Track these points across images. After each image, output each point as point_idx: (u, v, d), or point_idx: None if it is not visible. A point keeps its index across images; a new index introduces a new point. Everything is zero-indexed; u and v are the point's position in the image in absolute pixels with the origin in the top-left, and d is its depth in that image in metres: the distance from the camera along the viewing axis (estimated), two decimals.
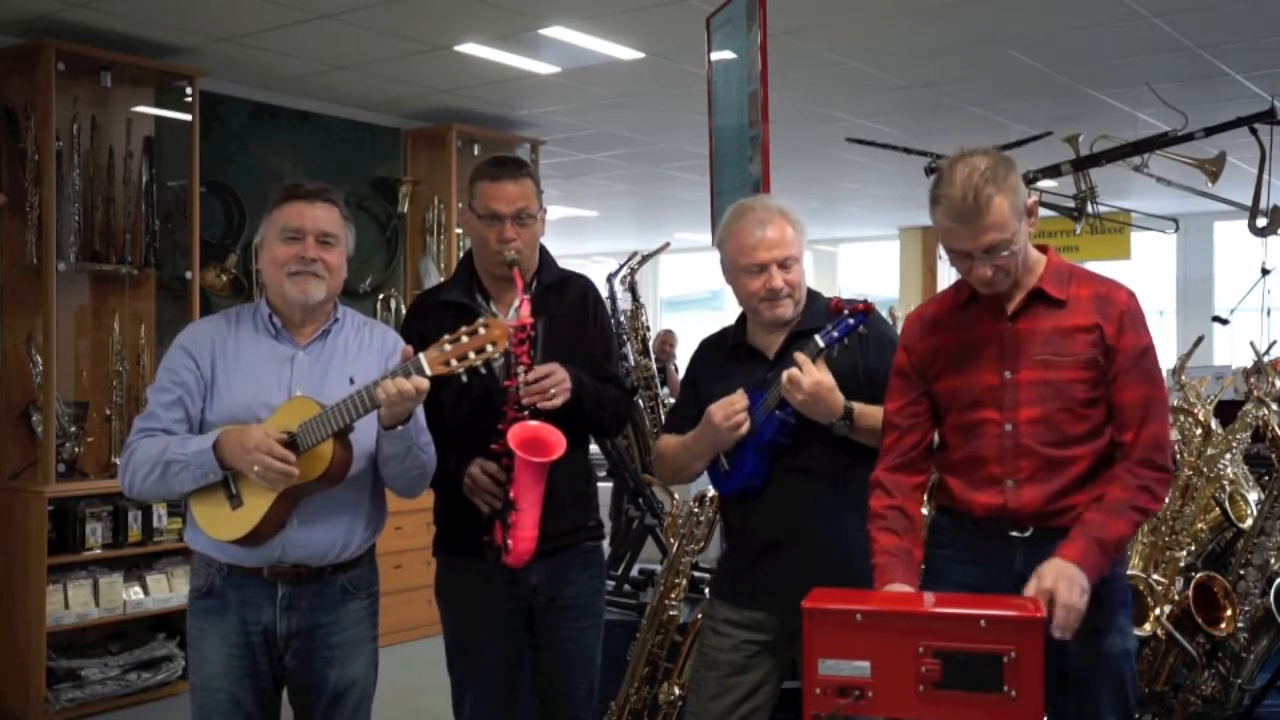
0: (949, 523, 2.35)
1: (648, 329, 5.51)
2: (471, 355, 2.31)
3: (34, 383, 4.84)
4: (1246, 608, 3.06)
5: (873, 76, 5.89)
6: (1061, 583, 2.02)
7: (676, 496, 3.73)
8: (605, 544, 3.14)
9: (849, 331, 2.40)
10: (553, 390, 2.58)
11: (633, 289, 5.56)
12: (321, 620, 2.49)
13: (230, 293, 5.62)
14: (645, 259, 5.65)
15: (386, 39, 5.15)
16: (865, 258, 14.04)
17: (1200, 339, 4.85)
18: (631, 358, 5.22)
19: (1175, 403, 3.76)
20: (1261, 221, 4.49)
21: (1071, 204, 5.07)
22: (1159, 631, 2.99)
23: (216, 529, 2.41)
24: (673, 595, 3.23)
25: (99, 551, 4.84)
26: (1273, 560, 3.13)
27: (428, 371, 2.32)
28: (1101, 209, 5.31)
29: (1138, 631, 2.89)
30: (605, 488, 4.05)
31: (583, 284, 2.88)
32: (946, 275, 11.72)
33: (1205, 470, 3.34)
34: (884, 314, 2.69)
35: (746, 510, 2.60)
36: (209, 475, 2.37)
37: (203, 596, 2.49)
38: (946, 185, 2.15)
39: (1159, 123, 6.11)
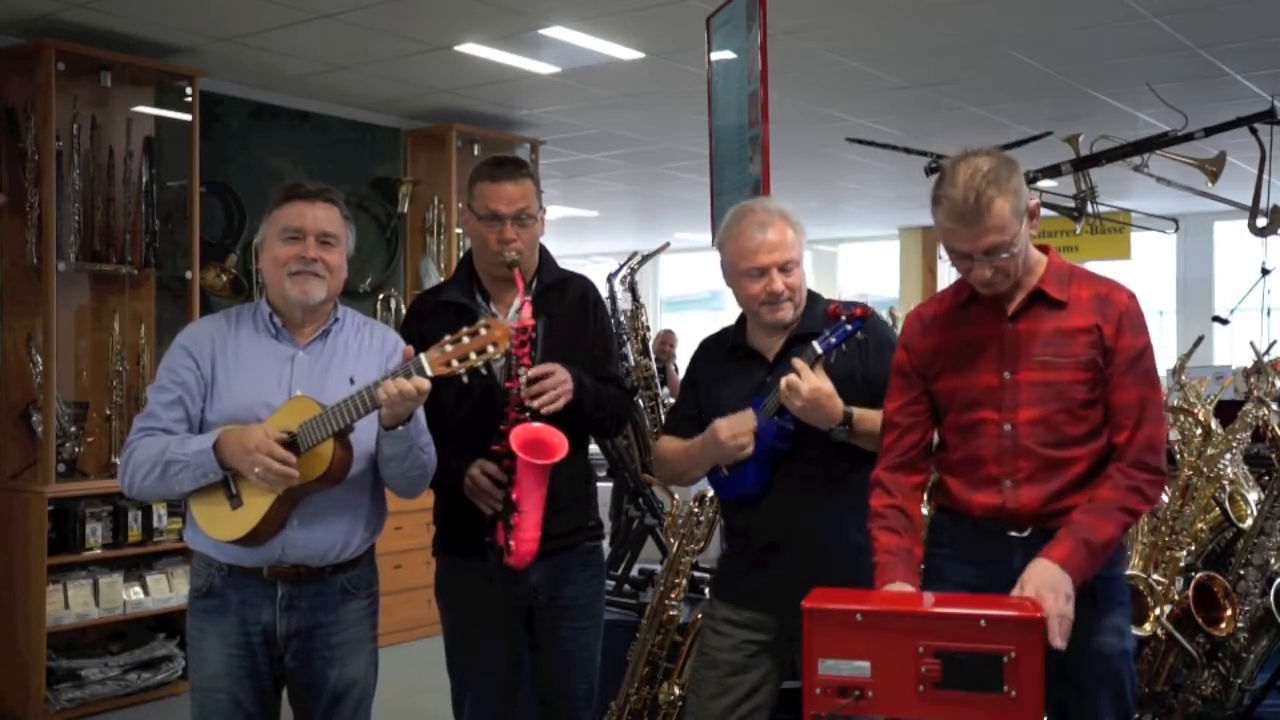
0: (948, 522, 2.35)
1: (648, 329, 5.51)
2: (473, 356, 2.31)
3: (34, 383, 4.84)
4: (1246, 608, 3.06)
5: (873, 76, 5.89)
6: (1046, 594, 2.01)
7: (676, 496, 3.73)
8: (605, 544, 3.14)
9: (846, 338, 2.40)
10: (555, 392, 2.58)
11: (633, 289, 5.56)
12: (321, 620, 2.49)
13: (230, 293, 5.62)
14: (645, 259, 5.65)
15: (386, 39, 5.15)
16: (865, 258, 14.05)
17: (1200, 339, 4.85)
18: (631, 358, 5.22)
19: (1175, 403, 3.77)
20: (1261, 221, 4.49)
21: (1071, 204, 5.07)
22: (1159, 631, 2.99)
23: (216, 529, 2.41)
24: (673, 595, 3.23)
25: (99, 551, 4.84)
26: (1273, 560, 3.13)
27: (429, 372, 2.31)
28: (1101, 209, 5.31)
29: (1138, 631, 2.89)
30: (605, 488, 4.05)
31: (583, 284, 2.88)
32: (946, 275, 11.71)
33: (1205, 470, 3.34)
34: (884, 314, 2.70)
35: (747, 513, 2.60)
36: (209, 475, 2.36)
37: (202, 596, 2.49)
38: (948, 186, 2.15)
39: (1159, 123, 6.11)
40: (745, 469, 2.52)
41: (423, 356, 2.32)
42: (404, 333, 2.70)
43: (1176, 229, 6.82)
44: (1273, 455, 3.74)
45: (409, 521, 4.86)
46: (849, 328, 2.39)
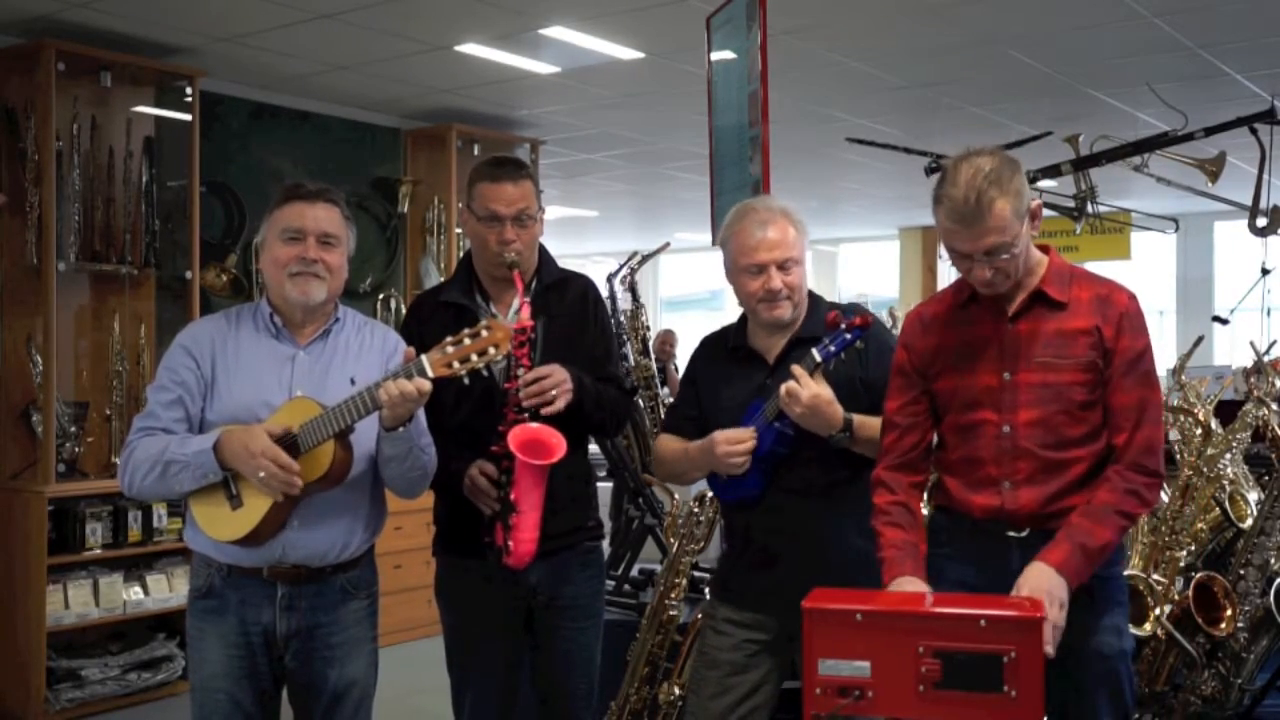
0: (946, 522, 2.35)
1: (648, 329, 5.51)
2: (474, 357, 2.31)
3: (34, 383, 4.83)
4: (1246, 608, 3.06)
5: (873, 76, 5.89)
6: (1042, 600, 2.01)
7: (676, 496, 3.73)
8: (605, 544, 3.14)
9: (846, 347, 2.39)
10: (554, 392, 2.58)
11: (633, 289, 5.57)
12: (321, 620, 2.48)
13: (230, 293, 5.62)
14: (645, 259, 5.66)
15: (386, 39, 5.15)
16: (865, 258, 14.04)
17: (1200, 339, 4.85)
18: (631, 358, 5.22)
19: (1175, 403, 3.77)
20: (1261, 221, 4.50)
21: (1071, 204, 5.07)
22: (1159, 631, 2.99)
23: (216, 529, 2.41)
24: (673, 595, 3.23)
25: (99, 551, 4.83)
26: (1273, 560, 3.13)
27: (430, 373, 2.31)
28: (1101, 209, 5.31)
29: (1138, 631, 2.89)
30: (605, 488, 4.05)
31: (583, 284, 2.88)
32: (946, 275, 11.71)
33: (1205, 470, 3.33)
34: (883, 314, 2.69)
35: (745, 514, 2.60)
36: (209, 476, 2.36)
37: (202, 597, 2.49)
38: (949, 185, 2.14)
39: (1159, 123, 6.11)
40: (744, 474, 2.52)
41: (424, 358, 2.32)
42: (404, 333, 2.70)
43: (1176, 229, 6.82)
44: (1273, 455, 3.74)
45: (409, 521, 4.86)
46: (848, 336, 2.39)
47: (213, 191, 5.69)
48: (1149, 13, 4.86)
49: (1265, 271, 4.90)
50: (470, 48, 5.32)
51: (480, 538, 2.64)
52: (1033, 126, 5.86)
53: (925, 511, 2.43)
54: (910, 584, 2.18)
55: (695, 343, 2.83)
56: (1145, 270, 10.96)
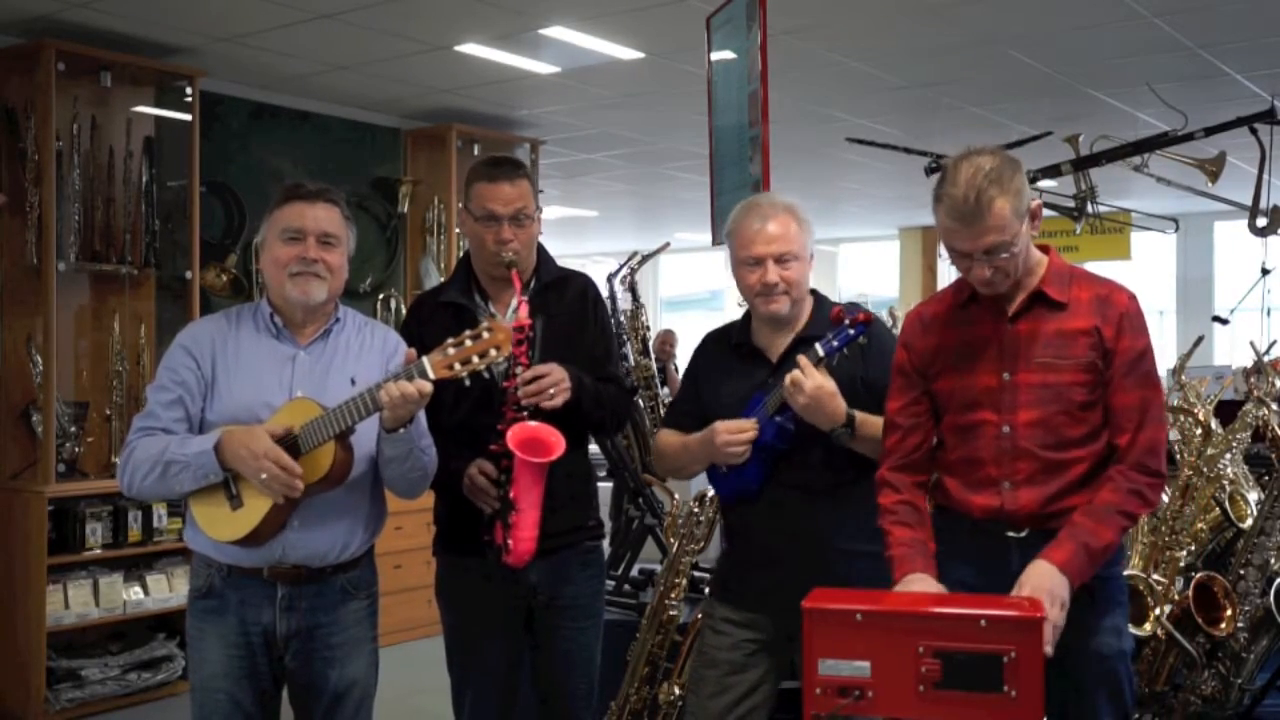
0: (945, 522, 2.34)
1: (648, 329, 5.52)
2: (475, 359, 2.31)
3: (34, 383, 4.84)
4: (1246, 608, 3.06)
5: (873, 76, 5.89)
6: (1043, 599, 2.01)
7: (676, 496, 3.73)
8: (605, 544, 3.14)
9: (849, 342, 2.40)
10: (552, 390, 2.58)
11: (633, 289, 5.57)
12: (321, 620, 2.48)
13: (230, 293, 5.62)
14: (645, 259, 5.66)
15: (386, 39, 5.15)
16: (865, 258, 14.04)
17: (1200, 339, 4.85)
18: (631, 358, 5.23)
19: (1175, 403, 3.77)
20: (1261, 221, 4.50)
21: (1071, 204, 5.08)
22: (1159, 631, 2.99)
23: (216, 530, 2.41)
24: (673, 595, 3.23)
25: (99, 551, 4.84)
26: (1273, 560, 3.13)
27: (431, 375, 2.31)
28: (1101, 209, 5.32)
29: (1138, 631, 2.89)
30: (605, 488, 4.05)
31: (582, 283, 2.88)
32: (946, 275, 11.71)
33: (1205, 470, 3.33)
34: (884, 314, 2.69)
35: (745, 512, 2.60)
36: (209, 476, 2.36)
37: (202, 597, 2.49)
38: (950, 184, 2.14)
39: (1159, 123, 6.11)
40: (744, 466, 2.52)
41: (425, 359, 2.32)
42: (404, 334, 2.70)
43: (1176, 229, 6.83)
44: (1273, 455, 3.74)
45: (409, 521, 4.86)
46: (851, 332, 2.39)
47: (213, 191, 5.69)
48: (1149, 13, 4.86)
49: (1265, 271, 4.90)
50: (470, 48, 5.32)
51: (480, 537, 2.64)
52: (1033, 126, 5.86)
53: None
54: (920, 581, 2.18)
55: (695, 343, 2.83)
56: (1145, 270, 10.96)
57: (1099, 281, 2.27)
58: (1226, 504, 3.42)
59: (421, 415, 2.45)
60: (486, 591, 2.71)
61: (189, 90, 5.27)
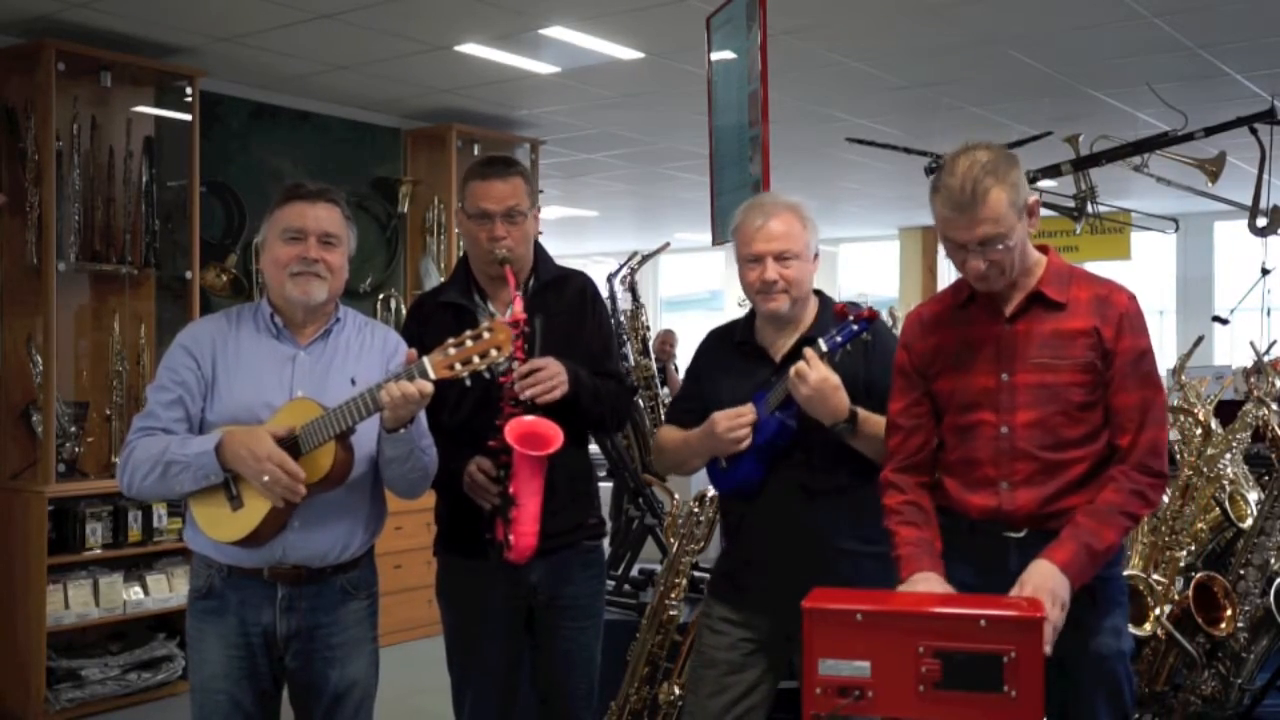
0: (944, 523, 2.34)
1: (648, 329, 5.52)
2: (476, 359, 2.31)
3: (34, 383, 4.83)
4: (1246, 608, 3.07)
5: (873, 76, 5.89)
6: (1043, 599, 2.01)
7: (676, 496, 3.73)
8: (605, 543, 3.14)
9: (852, 337, 2.39)
10: (548, 384, 2.58)
11: (633, 289, 5.57)
12: (321, 621, 2.48)
13: (230, 293, 5.62)
14: (645, 259, 5.66)
15: (386, 39, 5.15)
16: (865, 258, 14.03)
17: (1200, 339, 4.85)
18: (631, 358, 5.23)
19: (1175, 403, 3.77)
20: (1261, 221, 4.50)
21: (1071, 204, 5.08)
22: (1159, 631, 2.99)
23: (217, 530, 2.41)
24: (673, 595, 3.23)
25: (99, 551, 4.83)
26: (1273, 560, 3.13)
27: (432, 375, 2.31)
28: (1101, 209, 5.32)
29: (1138, 631, 2.89)
30: (605, 488, 4.05)
31: (581, 281, 2.88)
32: (946, 275, 11.71)
33: (1205, 470, 3.34)
34: (884, 314, 2.69)
35: (745, 512, 2.60)
36: (210, 477, 2.36)
37: (202, 597, 2.49)
38: (947, 175, 2.15)
39: (1159, 123, 6.11)
40: (744, 462, 2.52)
41: (426, 359, 2.32)
42: (404, 334, 2.70)
43: (1176, 229, 6.83)
44: (1273, 455, 3.74)
45: (409, 521, 4.86)
46: (855, 328, 2.39)
47: (213, 191, 5.69)
48: (1149, 13, 4.86)
49: (1265, 271, 4.90)
50: (470, 48, 5.32)
51: (481, 536, 2.64)
52: (1033, 126, 5.86)
53: None
54: (927, 580, 2.17)
55: (695, 343, 2.83)
56: (1145, 270, 10.96)
57: (1098, 282, 2.27)
58: (1226, 504, 3.42)
59: (422, 415, 2.45)
60: (487, 591, 2.71)
61: (189, 90, 5.27)
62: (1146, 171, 4.75)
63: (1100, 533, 2.11)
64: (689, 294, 15.99)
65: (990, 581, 2.15)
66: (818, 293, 2.65)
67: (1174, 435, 3.51)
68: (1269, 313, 6.21)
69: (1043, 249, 2.29)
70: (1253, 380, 3.87)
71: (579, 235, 12.72)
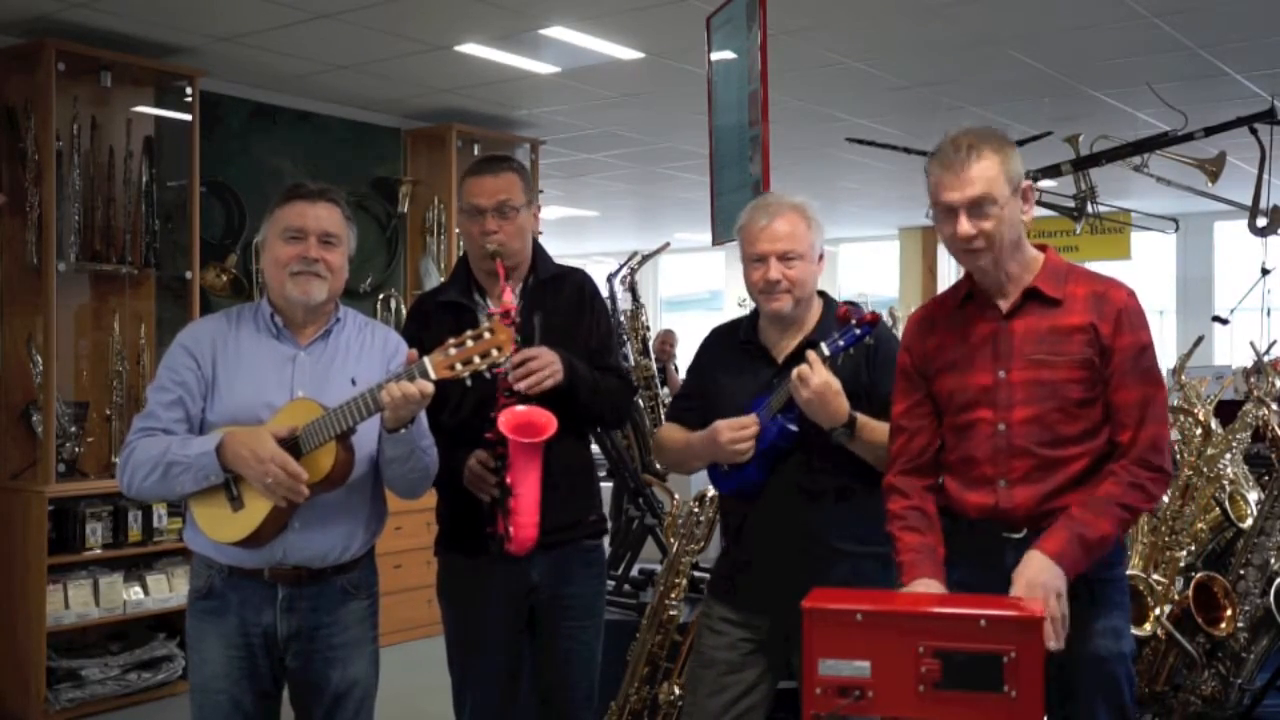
0: (944, 523, 2.34)
1: (648, 329, 5.52)
2: (476, 359, 2.31)
3: (34, 383, 4.84)
4: (1246, 608, 3.07)
5: (873, 76, 5.89)
6: (1038, 595, 2.00)
7: (677, 496, 3.73)
8: (606, 541, 3.14)
9: (855, 342, 2.39)
10: (542, 373, 2.58)
11: (633, 289, 5.57)
12: (322, 621, 2.48)
13: (230, 293, 5.62)
14: (645, 259, 5.66)
15: (386, 39, 5.15)
16: (865, 258, 14.03)
17: (1200, 339, 4.86)
18: (631, 358, 5.22)
19: (1175, 403, 3.77)
20: (1261, 221, 4.51)
21: (1071, 204, 5.08)
22: (1159, 631, 2.99)
23: (217, 531, 2.41)
24: (673, 595, 3.23)
25: (99, 551, 4.84)
26: (1273, 560, 3.14)
27: (432, 375, 2.31)
28: (1101, 209, 5.33)
29: (1138, 631, 2.89)
30: (605, 487, 4.05)
31: (579, 278, 2.88)
32: (946, 275, 11.72)
33: (1205, 470, 3.34)
34: (884, 314, 2.68)
35: (745, 512, 2.60)
36: (211, 478, 2.36)
37: (203, 597, 2.49)
38: (942, 141, 2.22)
39: (1159, 123, 6.11)
40: (745, 465, 2.52)
41: (426, 359, 2.31)
42: (405, 334, 2.70)
43: (1176, 229, 6.84)
44: (1273, 455, 3.74)
45: (409, 521, 4.86)
46: (858, 332, 2.39)
47: (213, 191, 5.69)
48: (1149, 13, 4.86)
49: (1265, 271, 4.91)
50: (470, 48, 5.32)
51: (482, 535, 2.64)
52: (1033, 126, 5.86)
53: None
54: (928, 588, 2.17)
55: (695, 343, 2.83)
56: (1145, 270, 10.96)
57: (1096, 279, 2.26)
58: (1226, 504, 3.42)
59: (423, 415, 2.44)
60: (488, 591, 2.71)
61: (189, 90, 5.27)
62: (1146, 171, 4.75)
63: (1093, 523, 2.10)
64: (689, 294, 15.99)
65: (990, 583, 2.14)
66: (822, 294, 2.65)
67: (1174, 435, 3.51)
68: (1269, 313, 6.21)
69: (1041, 248, 2.29)
70: (1253, 380, 3.87)
71: (579, 235, 12.72)
